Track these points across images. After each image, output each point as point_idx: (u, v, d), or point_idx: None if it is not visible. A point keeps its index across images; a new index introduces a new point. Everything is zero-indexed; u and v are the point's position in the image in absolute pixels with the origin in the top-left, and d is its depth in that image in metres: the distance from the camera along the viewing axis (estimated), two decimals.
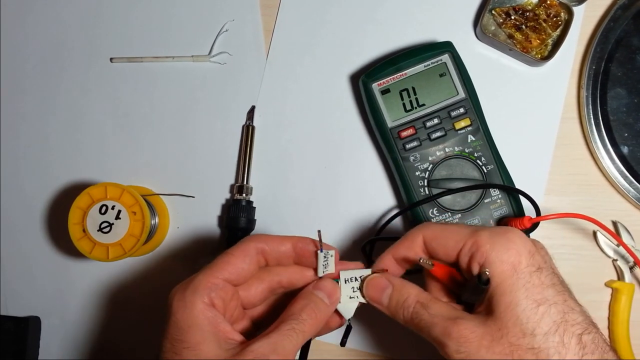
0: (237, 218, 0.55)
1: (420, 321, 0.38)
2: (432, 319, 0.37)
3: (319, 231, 0.42)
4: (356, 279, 0.42)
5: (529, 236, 0.51)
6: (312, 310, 0.39)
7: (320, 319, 0.40)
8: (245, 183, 0.57)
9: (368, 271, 0.42)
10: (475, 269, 0.37)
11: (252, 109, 0.58)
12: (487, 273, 0.36)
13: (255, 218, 0.57)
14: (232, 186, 0.58)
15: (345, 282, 0.42)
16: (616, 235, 0.51)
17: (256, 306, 0.43)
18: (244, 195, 0.56)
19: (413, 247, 0.41)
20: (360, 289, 0.42)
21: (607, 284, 0.56)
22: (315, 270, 0.43)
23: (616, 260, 0.55)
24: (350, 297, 0.42)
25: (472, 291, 0.38)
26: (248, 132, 0.58)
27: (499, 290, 0.36)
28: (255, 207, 0.57)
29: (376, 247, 0.54)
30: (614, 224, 0.56)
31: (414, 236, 0.41)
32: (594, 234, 0.56)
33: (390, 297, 0.40)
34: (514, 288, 0.35)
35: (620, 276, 0.55)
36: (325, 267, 0.42)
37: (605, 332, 0.55)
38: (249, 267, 0.41)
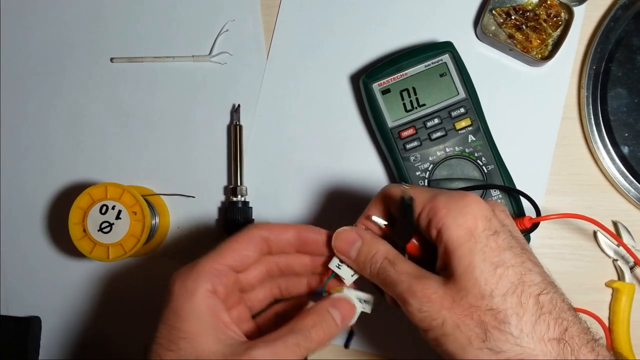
0: (235, 220, 0.55)
1: (386, 277, 0.38)
2: (399, 276, 0.38)
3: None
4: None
5: (529, 236, 0.52)
6: (321, 330, 0.38)
7: (328, 339, 0.39)
8: (238, 184, 0.57)
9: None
10: (433, 234, 0.38)
11: (237, 107, 0.58)
12: (406, 190, 0.37)
13: (253, 218, 0.57)
14: (223, 188, 0.58)
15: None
16: (616, 235, 0.51)
17: (254, 289, 0.43)
18: (238, 197, 0.56)
19: (380, 209, 0.42)
20: (367, 301, 0.42)
21: (607, 284, 0.56)
22: (325, 263, 0.42)
23: (616, 260, 0.55)
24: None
25: (402, 216, 0.38)
26: (236, 131, 0.57)
27: (457, 254, 0.36)
28: (251, 207, 0.57)
29: None
30: (614, 224, 0.56)
31: (376, 199, 0.42)
32: (594, 234, 0.56)
33: (359, 250, 0.40)
34: (472, 252, 0.36)
35: (620, 276, 0.55)
36: (340, 268, 0.42)
37: (606, 332, 0.55)
38: (253, 255, 0.40)
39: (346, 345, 0.43)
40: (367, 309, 0.42)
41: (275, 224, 0.42)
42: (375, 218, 0.41)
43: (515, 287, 0.35)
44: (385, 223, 0.41)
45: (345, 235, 0.41)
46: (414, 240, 0.41)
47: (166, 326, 0.37)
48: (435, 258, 0.39)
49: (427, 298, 0.36)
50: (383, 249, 0.40)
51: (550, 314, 0.35)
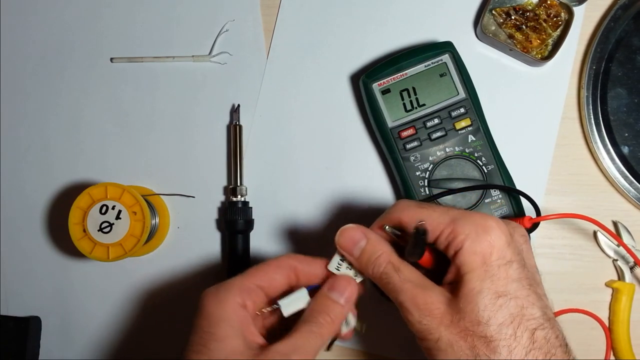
0: (235, 220, 0.55)
1: (389, 283, 0.39)
2: (402, 284, 0.38)
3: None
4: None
5: (530, 236, 0.52)
6: (327, 314, 0.40)
7: (337, 320, 0.41)
8: (238, 184, 0.57)
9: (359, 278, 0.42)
10: (451, 254, 0.38)
11: (237, 107, 0.58)
12: (423, 224, 0.37)
13: (253, 218, 0.57)
14: (223, 188, 0.58)
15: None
16: (616, 235, 0.51)
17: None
18: (238, 197, 0.56)
19: (392, 221, 0.42)
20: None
21: (607, 284, 0.56)
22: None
23: (616, 260, 0.55)
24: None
25: (413, 245, 0.39)
26: (235, 131, 0.57)
27: (466, 278, 0.37)
28: (251, 207, 0.57)
29: None
30: (615, 224, 0.56)
31: (392, 214, 0.41)
32: (594, 234, 0.56)
33: (362, 250, 0.40)
34: (480, 278, 0.37)
35: (620, 276, 0.55)
36: (339, 268, 0.42)
37: (606, 332, 0.55)
38: (281, 279, 0.42)
39: (328, 348, 0.43)
40: (359, 278, 0.42)
41: (306, 257, 0.43)
42: (389, 228, 0.41)
43: (513, 319, 0.36)
44: (399, 233, 0.41)
45: (350, 232, 0.41)
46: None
47: (198, 332, 0.39)
48: (443, 269, 0.39)
49: (429, 312, 0.37)
50: (387, 251, 0.40)
51: (541, 349, 0.36)
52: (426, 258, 0.41)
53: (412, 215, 0.40)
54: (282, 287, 0.42)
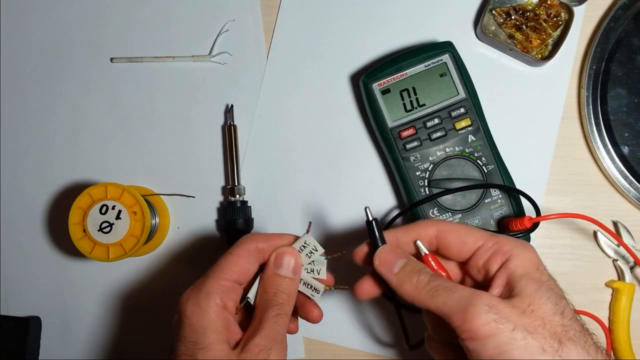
0: (235, 220, 0.55)
1: (439, 286, 0.38)
2: (454, 285, 0.38)
3: (310, 223, 0.44)
4: (312, 252, 0.43)
5: (530, 236, 0.52)
6: (282, 292, 0.41)
7: (293, 293, 0.42)
8: (236, 184, 0.57)
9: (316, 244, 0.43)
10: (494, 267, 0.39)
11: (231, 107, 0.58)
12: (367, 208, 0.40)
13: (252, 217, 0.57)
14: (222, 188, 0.58)
15: (305, 255, 0.43)
16: (616, 235, 0.51)
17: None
18: (237, 196, 0.56)
19: (422, 235, 0.42)
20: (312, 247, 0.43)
21: (607, 284, 0.56)
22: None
23: (616, 260, 0.55)
24: (309, 271, 0.43)
25: (370, 234, 0.41)
26: (230, 131, 0.57)
27: (525, 278, 0.37)
28: (250, 207, 0.57)
29: None
30: (615, 224, 0.56)
31: (427, 225, 0.42)
32: (594, 234, 0.56)
33: (404, 264, 0.40)
34: (541, 280, 0.37)
35: (620, 276, 0.55)
36: (310, 255, 0.43)
37: (606, 332, 0.55)
38: (253, 267, 0.42)
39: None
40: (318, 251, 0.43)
41: (270, 235, 0.43)
42: (419, 244, 0.41)
43: (576, 319, 0.37)
44: (427, 252, 0.41)
45: (389, 253, 0.41)
46: None
47: (184, 343, 0.39)
48: None
49: (497, 302, 0.36)
50: (429, 270, 0.40)
51: (598, 348, 0.36)
52: (435, 262, 0.41)
53: (449, 225, 0.41)
54: (254, 272, 0.43)
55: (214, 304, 0.40)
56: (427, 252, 0.41)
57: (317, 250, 0.43)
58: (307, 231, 0.43)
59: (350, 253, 0.43)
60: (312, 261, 0.43)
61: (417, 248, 0.41)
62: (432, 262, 0.41)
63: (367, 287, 0.42)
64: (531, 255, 0.39)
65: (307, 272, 0.43)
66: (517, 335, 0.34)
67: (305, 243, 0.43)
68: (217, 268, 0.41)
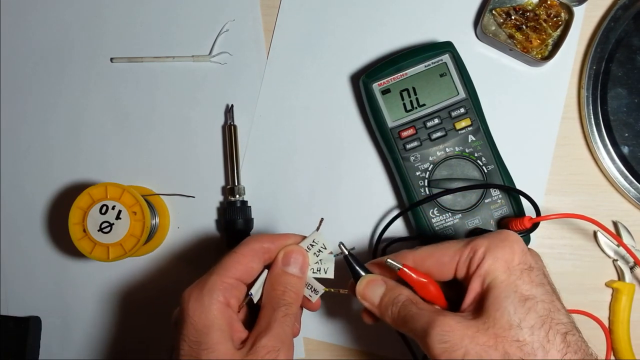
0: (234, 220, 0.55)
1: (407, 313, 0.38)
2: (420, 311, 0.38)
3: (322, 219, 0.44)
4: (320, 251, 0.43)
5: (530, 236, 0.52)
6: (290, 291, 0.41)
7: (300, 292, 0.42)
8: (236, 184, 0.57)
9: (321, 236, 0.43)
10: (474, 272, 0.38)
11: (231, 107, 0.58)
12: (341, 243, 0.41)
13: (252, 217, 0.57)
14: (222, 188, 0.58)
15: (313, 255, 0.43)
16: (616, 235, 0.51)
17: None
18: (237, 196, 0.56)
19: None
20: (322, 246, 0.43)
21: (607, 284, 0.56)
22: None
23: (616, 260, 0.55)
24: (316, 271, 0.43)
25: (349, 266, 0.42)
26: (230, 131, 0.57)
27: (491, 285, 0.37)
28: (250, 207, 0.57)
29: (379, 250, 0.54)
30: (614, 224, 0.56)
31: (403, 258, 0.41)
32: (594, 234, 0.56)
33: (382, 295, 0.40)
34: (505, 284, 0.36)
35: (620, 276, 0.55)
36: (318, 253, 0.43)
37: (606, 332, 0.55)
38: (258, 267, 0.42)
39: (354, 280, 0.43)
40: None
41: (277, 235, 0.43)
42: (390, 261, 0.41)
43: (543, 322, 0.35)
44: (400, 267, 0.40)
45: (370, 280, 0.41)
46: (431, 288, 0.41)
47: (187, 342, 0.39)
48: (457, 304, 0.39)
49: (449, 327, 0.36)
50: (406, 293, 0.40)
51: (576, 353, 0.35)
52: (437, 295, 0.41)
53: (422, 251, 0.41)
54: (258, 272, 0.42)
55: (216, 301, 0.39)
56: (400, 267, 0.40)
57: (325, 249, 0.43)
58: (318, 228, 0.43)
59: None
60: (320, 260, 0.43)
61: (390, 267, 0.41)
62: (411, 274, 0.40)
63: (368, 317, 0.43)
64: (504, 252, 0.37)
65: (313, 272, 0.43)
66: None
67: (313, 241, 0.43)
68: (221, 266, 0.41)
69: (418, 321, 0.37)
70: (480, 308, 0.36)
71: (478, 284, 0.37)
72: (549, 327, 0.35)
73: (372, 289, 0.41)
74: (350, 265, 0.42)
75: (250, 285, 0.42)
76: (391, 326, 0.40)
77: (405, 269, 0.40)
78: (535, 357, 0.34)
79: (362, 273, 0.42)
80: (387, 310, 0.40)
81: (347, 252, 0.42)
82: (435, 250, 0.41)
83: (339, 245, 0.42)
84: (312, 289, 0.43)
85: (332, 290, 0.44)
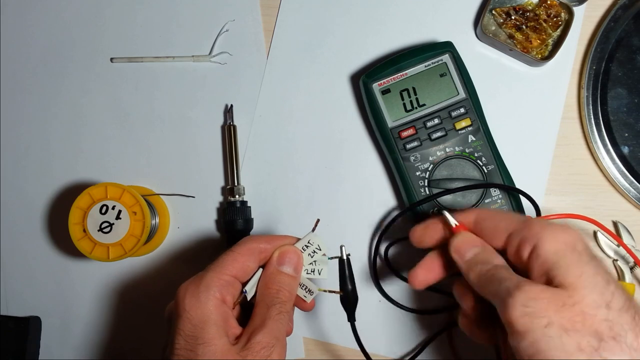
0: (234, 220, 0.55)
1: (496, 273, 0.37)
2: (510, 275, 0.36)
3: (317, 220, 0.44)
4: (315, 252, 0.44)
5: None
6: (285, 290, 0.42)
7: (294, 291, 0.43)
8: (235, 184, 0.57)
9: (320, 240, 0.44)
10: (526, 252, 0.37)
11: (230, 107, 0.58)
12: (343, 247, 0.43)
13: (252, 217, 0.57)
14: (222, 188, 0.58)
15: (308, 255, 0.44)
16: (616, 236, 0.51)
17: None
18: (236, 197, 0.56)
19: (465, 222, 0.42)
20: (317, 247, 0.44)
21: None
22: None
23: (616, 260, 0.55)
24: (310, 272, 0.44)
25: (341, 273, 0.44)
26: (230, 131, 0.57)
27: (563, 264, 0.35)
28: (250, 207, 0.57)
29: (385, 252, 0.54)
30: (615, 224, 0.56)
31: (469, 213, 0.42)
32: (594, 234, 0.56)
33: (476, 254, 0.40)
34: (581, 263, 0.34)
35: (620, 276, 0.55)
36: (313, 254, 0.44)
37: None
38: (254, 265, 0.43)
39: (349, 318, 0.45)
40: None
41: (274, 236, 0.44)
42: (447, 214, 0.42)
43: (628, 307, 0.33)
44: (456, 223, 0.41)
45: (469, 238, 0.41)
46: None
47: (183, 336, 0.39)
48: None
49: (535, 294, 0.34)
50: (501, 259, 0.39)
51: None
52: (465, 229, 0.41)
53: (486, 212, 0.41)
54: (253, 271, 0.43)
55: (213, 296, 0.40)
56: (456, 224, 0.41)
57: (320, 250, 0.43)
58: (313, 229, 0.43)
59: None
60: (314, 261, 0.44)
61: (447, 220, 0.42)
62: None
63: (423, 274, 0.42)
64: (564, 235, 0.36)
65: (307, 273, 0.44)
66: (552, 332, 0.32)
67: (309, 242, 0.43)
68: (218, 263, 0.42)
69: (504, 282, 0.35)
70: (558, 282, 0.35)
71: (539, 265, 0.36)
72: (634, 312, 0.34)
73: (469, 244, 0.40)
74: (342, 270, 0.43)
75: (244, 284, 0.43)
76: (472, 285, 0.39)
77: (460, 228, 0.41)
78: (625, 338, 0.32)
79: (348, 284, 0.43)
80: (476, 266, 0.39)
81: (345, 257, 0.43)
82: (496, 214, 0.41)
83: (340, 248, 0.43)
84: (307, 290, 0.44)
85: (327, 290, 0.44)
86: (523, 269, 0.38)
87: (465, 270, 0.40)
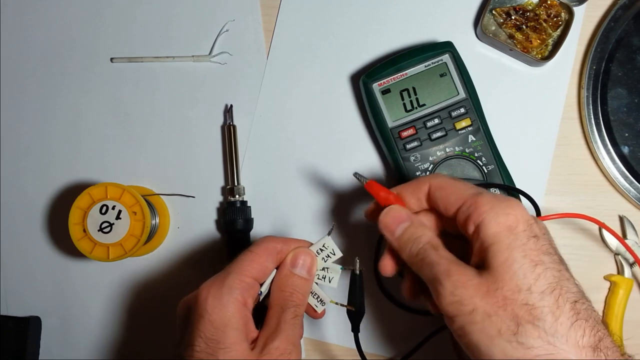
0: (234, 220, 0.55)
1: (425, 257, 0.38)
2: (439, 258, 0.37)
3: (333, 225, 0.45)
4: (329, 256, 0.43)
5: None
6: (298, 292, 0.42)
7: (307, 294, 0.43)
8: (235, 184, 0.57)
9: (336, 248, 0.44)
10: (471, 229, 0.37)
11: (230, 107, 0.58)
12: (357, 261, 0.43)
13: (252, 217, 0.57)
14: (222, 188, 0.58)
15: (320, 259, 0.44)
16: (618, 235, 0.51)
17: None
18: (236, 197, 0.56)
19: (417, 192, 0.42)
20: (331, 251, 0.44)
21: (606, 277, 0.56)
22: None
23: (618, 254, 0.55)
24: (321, 277, 0.44)
25: (350, 290, 0.44)
26: (230, 132, 0.57)
27: (494, 248, 0.36)
28: (250, 207, 0.57)
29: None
30: (620, 218, 0.56)
31: (422, 182, 0.42)
32: (600, 229, 0.55)
33: (405, 229, 0.40)
34: (510, 247, 0.35)
35: (620, 271, 0.55)
36: (327, 259, 0.43)
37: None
38: (272, 266, 0.43)
39: (353, 329, 0.45)
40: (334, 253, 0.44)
41: (290, 238, 0.44)
42: (358, 174, 0.42)
43: (552, 288, 0.35)
44: (367, 180, 0.42)
45: (396, 213, 0.41)
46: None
47: (204, 339, 0.39)
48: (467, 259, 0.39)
49: (462, 283, 0.35)
50: (429, 235, 0.40)
51: (587, 321, 0.34)
52: (376, 190, 0.42)
53: (440, 181, 0.41)
54: (271, 272, 0.43)
55: (235, 299, 0.39)
56: (367, 181, 0.42)
57: (334, 254, 0.43)
58: (329, 233, 0.43)
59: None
60: (326, 267, 0.43)
61: (359, 179, 0.42)
62: (376, 189, 0.41)
63: (387, 264, 0.43)
64: (505, 217, 0.36)
65: (318, 278, 0.43)
66: (477, 317, 0.34)
67: (323, 246, 0.43)
68: (238, 264, 0.41)
69: (434, 268, 0.37)
70: (487, 265, 0.36)
71: (478, 245, 0.37)
72: (559, 294, 0.34)
73: (395, 220, 0.41)
74: (353, 283, 0.43)
75: (260, 285, 0.43)
76: (408, 265, 0.40)
77: (372, 184, 0.42)
78: (544, 322, 0.33)
79: (358, 298, 0.43)
80: (407, 246, 0.39)
81: (358, 271, 0.43)
82: (450, 184, 0.40)
83: (355, 261, 0.43)
84: (319, 299, 0.44)
85: (339, 303, 0.44)
86: (469, 240, 0.39)
87: (397, 249, 0.40)
